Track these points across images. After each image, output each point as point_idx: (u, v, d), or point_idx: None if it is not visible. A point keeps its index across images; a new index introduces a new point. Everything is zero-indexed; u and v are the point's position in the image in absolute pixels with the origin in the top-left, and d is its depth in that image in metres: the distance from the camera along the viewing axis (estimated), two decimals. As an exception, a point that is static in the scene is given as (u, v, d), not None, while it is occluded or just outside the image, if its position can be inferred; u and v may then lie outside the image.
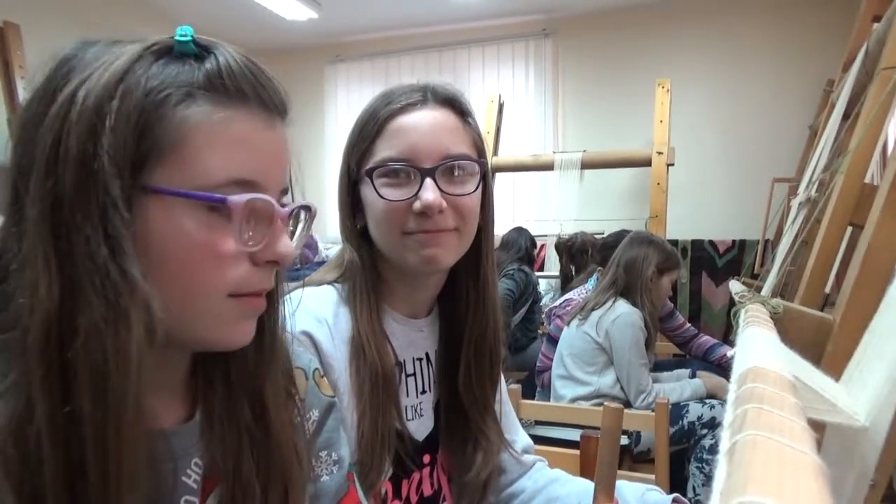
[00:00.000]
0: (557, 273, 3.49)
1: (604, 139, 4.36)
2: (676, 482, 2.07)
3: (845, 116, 1.67)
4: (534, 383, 2.67)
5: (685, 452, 2.17)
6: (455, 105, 0.79)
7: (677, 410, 2.13)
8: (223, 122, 0.46)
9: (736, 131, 4.32)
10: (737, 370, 0.40)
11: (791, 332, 0.92)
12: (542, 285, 3.72)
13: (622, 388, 2.17)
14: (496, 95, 4.21)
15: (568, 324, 2.31)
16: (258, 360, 0.55)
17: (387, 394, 0.77)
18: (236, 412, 0.54)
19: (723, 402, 2.17)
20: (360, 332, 0.78)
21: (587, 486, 0.87)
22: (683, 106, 4.13)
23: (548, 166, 3.80)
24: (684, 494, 0.86)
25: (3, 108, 2.88)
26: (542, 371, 2.52)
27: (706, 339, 2.64)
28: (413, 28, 4.96)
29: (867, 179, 1.28)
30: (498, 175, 3.99)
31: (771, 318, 0.82)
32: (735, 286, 1.71)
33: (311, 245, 2.92)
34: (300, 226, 0.56)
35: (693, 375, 2.40)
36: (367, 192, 0.78)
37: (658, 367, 2.52)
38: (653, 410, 1.72)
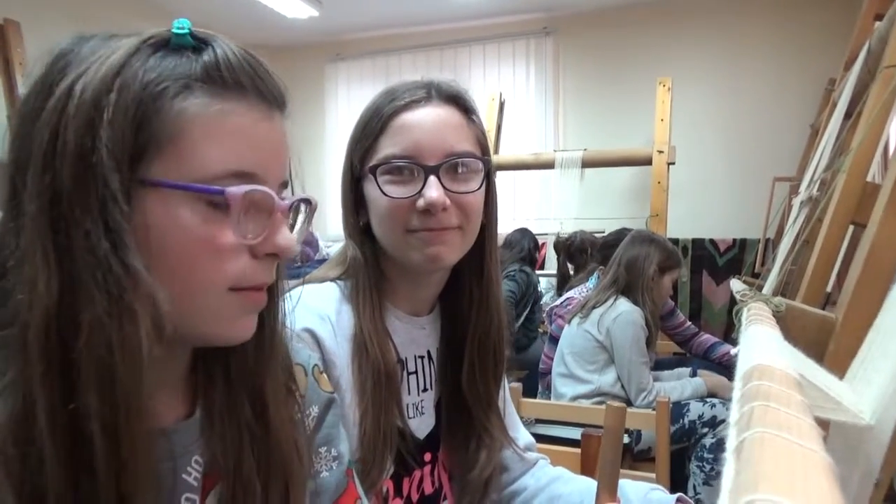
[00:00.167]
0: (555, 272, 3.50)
1: (605, 138, 4.36)
2: (677, 481, 2.07)
3: (847, 115, 1.67)
4: (534, 382, 2.67)
5: (686, 451, 2.17)
6: (459, 102, 0.79)
7: (678, 409, 2.13)
8: (221, 114, 0.46)
9: (737, 130, 4.32)
10: (741, 368, 0.40)
11: (793, 330, 0.92)
12: (543, 284, 3.72)
13: (623, 386, 2.17)
14: (497, 94, 4.21)
15: (569, 322, 2.31)
16: (258, 357, 0.54)
17: (389, 391, 0.77)
18: (236, 409, 0.53)
19: (723, 400, 2.17)
20: (362, 330, 0.77)
21: (590, 484, 0.87)
22: (684, 104, 4.12)
23: (548, 165, 3.80)
24: (684, 493, 0.86)
25: (4, 104, 2.88)
26: (545, 373, 2.51)
27: (707, 338, 2.64)
28: (414, 26, 4.96)
29: (868, 178, 1.28)
30: (498, 173, 3.95)
31: (773, 316, 0.82)
32: (736, 285, 1.71)
33: (311, 243, 2.92)
34: (300, 218, 0.55)
35: (694, 374, 2.40)
36: (370, 189, 0.78)
37: (658, 365, 2.52)
38: (653, 409, 1.72)
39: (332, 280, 0.82)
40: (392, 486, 0.80)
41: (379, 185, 0.75)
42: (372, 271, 0.81)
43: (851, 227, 1.30)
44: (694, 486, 2.10)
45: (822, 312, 0.96)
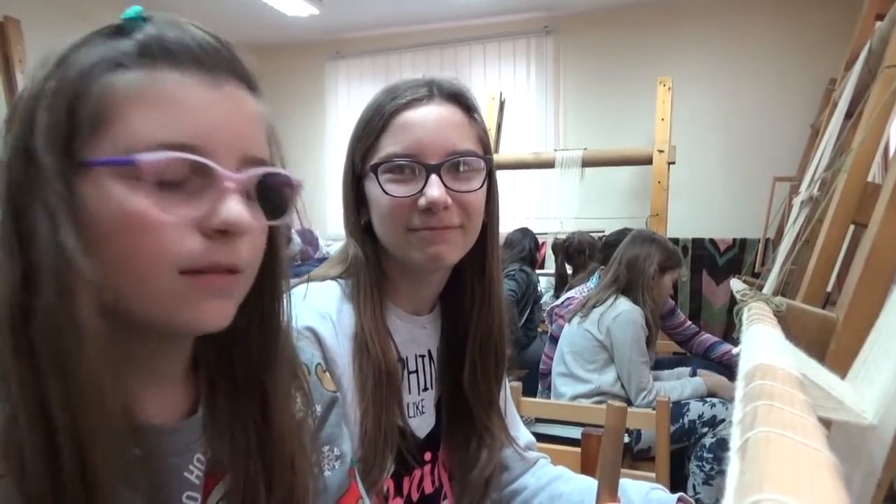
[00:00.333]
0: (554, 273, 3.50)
1: (605, 137, 4.36)
2: (676, 480, 2.07)
3: (848, 115, 1.67)
4: (534, 381, 2.67)
5: (685, 451, 2.17)
6: (461, 100, 0.79)
7: (678, 409, 2.13)
8: (151, 86, 0.45)
9: (737, 130, 4.32)
10: (743, 367, 0.40)
11: (794, 329, 0.91)
12: (543, 283, 3.72)
13: (623, 385, 2.17)
14: (497, 93, 4.21)
15: (569, 321, 2.31)
16: (262, 356, 0.54)
17: (390, 390, 0.77)
18: (240, 408, 0.53)
19: (723, 400, 2.17)
20: (363, 329, 0.77)
21: (591, 483, 0.87)
22: (685, 104, 4.12)
23: (549, 164, 3.80)
24: (684, 493, 0.86)
25: (4, 102, 2.88)
26: (545, 373, 2.51)
27: (707, 337, 2.64)
28: (414, 25, 4.96)
29: (869, 178, 1.28)
30: (499, 173, 3.94)
31: (774, 315, 0.82)
32: (736, 284, 1.71)
33: (311, 241, 2.92)
34: (279, 199, 0.51)
35: (694, 374, 2.40)
36: (371, 187, 0.77)
37: (658, 364, 2.52)
38: (653, 409, 1.72)
39: (333, 279, 0.82)
40: (392, 486, 0.80)
41: (380, 184, 0.75)
42: (373, 270, 0.81)
43: (851, 227, 1.30)
44: (694, 486, 2.11)
45: (823, 312, 0.96)
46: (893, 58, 1.29)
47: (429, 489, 0.86)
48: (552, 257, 3.57)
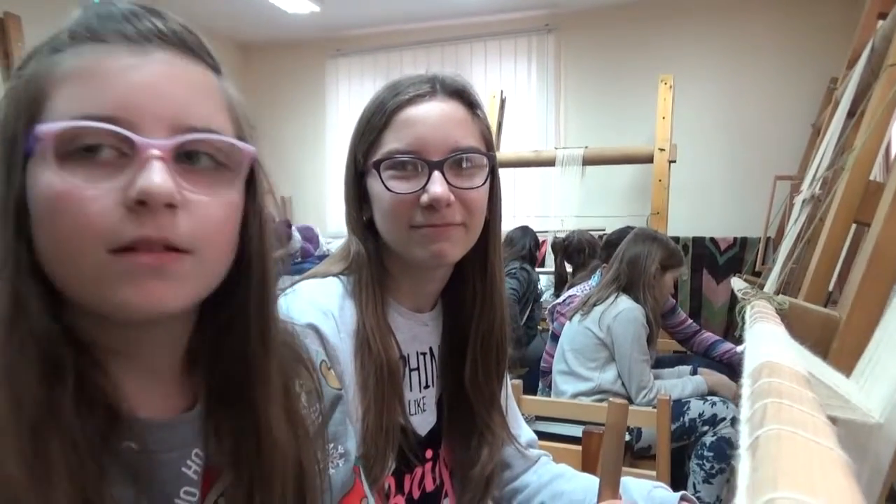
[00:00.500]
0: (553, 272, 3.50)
1: (606, 135, 4.35)
2: (676, 479, 2.07)
3: (850, 114, 1.67)
4: (535, 379, 2.67)
5: (686, 449, 2.17)
6: (464, 97, 0.78)
7: (678, 407, 2.13)
8: (77, 64, 0.44)
9: (738, 128, 4.32)
10: (749, 364, 0.40)
11: (796, 328, 0.91)
12: (543, 281, 3.72)
13: (623, 384, 2.17)
14: (498, 91, 4.20)
15: (570, 319, 2.31)
16: (251, 353, 0.52)
17: (391, 388, 0.77)
18: (237, 404, 0.52)
19: (724, 398, 2.17)
20: (365, 325, 0.77)
21: (593, 481, 0.87)
22: (686, 102, 4.12)
23: (549, 162, 3.80)
24: (684, 491, 0.86)
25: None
26: (546, 372, 2.51)
27: (708, 336, 2.64)
28: (415, 23, 4.95)
29: (870, 177, 1.28)
30: (499, 170, 3.97)
31: (777, 313, 0.82)
32: (737, 283, 1.71)
33: (311, 238, 2.92)
34: (232, 172, 0.48)
35: (694, 372, 2.40)
36: (373, 184, 0.77)
37: (659, 363, 2.52)
38: (654, 407, 1.71)
39: (335, 275, 0.82)
40: (394, 483, 0.80)
41: (382, 181, 0.75)
42: (375, 267, 0.80)
43: (853, 226, 1.30)
44: (694, 484, 2.11)
45: (826, 310, 0.96)
46: (897, 56, 1.29)
47: (430, 487, 0.85)
48: (552, 256, 3.57)
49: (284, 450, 0.53)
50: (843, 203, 1.24)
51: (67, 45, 0.45)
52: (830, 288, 1.37)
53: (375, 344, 0.76)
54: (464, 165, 0.76)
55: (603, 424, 0.87)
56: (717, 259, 4.09)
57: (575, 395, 2.20)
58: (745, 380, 0.37)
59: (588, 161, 3.71)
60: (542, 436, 1.11)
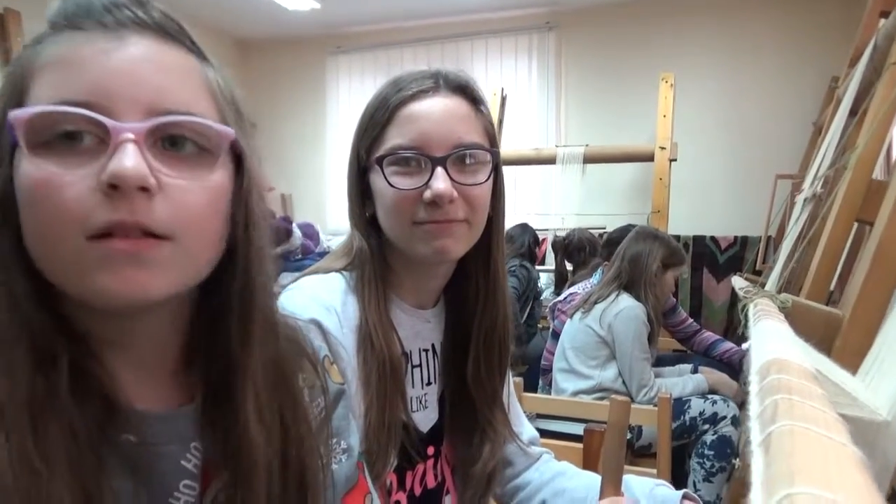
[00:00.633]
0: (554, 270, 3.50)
1: (606, 133, 4.34)
2: (677, 477, 2.07)
3: (852, 112, 1.66)
4: (535, 377, 2.67)
5: (686, 447, 2.18)
6: (467, 92, 0.78)
7: (679, 406, 2.13)
8: (54, 52, 0.44)
9: (739, 127, 4.31)
10: (756, 361, 0.39)
11: (799, 326, 0.91)
12: (543, 279, 3.72)
13: (624, 382, 2.17)
14: (499, 88, 4.20)
15: (571, 317, 2.31)
16: (235, 344, 0.51)
17: (393, 384, 0.77)
18: (236, 398, 0.52)
19: (725, 397, 2.17)
20: (367, 321, 0.77)
21: (595, 479, 0.86)
22: (687, 101, 4.11)
23: (550, 160, 3.79)
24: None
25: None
26: (546, 370, 2.51)
27: (708, 335, 2.65)
28: (415, 20, 4.94)
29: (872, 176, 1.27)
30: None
31: (780, 312, 0.82)
32: (738, 282, 1.71)
33: (312, 235, 2.91)
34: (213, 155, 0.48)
35: (695, 371, 2.40)
36: (376, 179, 0.77)
37: (659, 361, 2.52)
38: (655, 405, 1.71)
39: (338, 271, 0.81)
40: (395, 480, 0.80)
41: (385, 177, 0.74)
42: (378, 263, 0.80)
43: (855, 225, 1.30)
44: (694, 483, 2.11)
45: (829, 309, 0.96)
46: (900, 54, 1.28)
47: (431, 483, 0.85)
48: (552, 254, 3.57)
49: (264, 448, 0.52)
50: (845, 202, 1.23)
51: (47, 35, 0.45)
52: (832, 287, 1.37)
53: (378, 340, 0.76)
54: (467, 161, 0.75)
55: (604, 422, 0.87)
56: (718, 258, 4.09)
57: (575, 393, 2.20)
58: (753, 376, 0.37)
59: (589, 159, 3.71)
60: (543, 433, 1.11)
